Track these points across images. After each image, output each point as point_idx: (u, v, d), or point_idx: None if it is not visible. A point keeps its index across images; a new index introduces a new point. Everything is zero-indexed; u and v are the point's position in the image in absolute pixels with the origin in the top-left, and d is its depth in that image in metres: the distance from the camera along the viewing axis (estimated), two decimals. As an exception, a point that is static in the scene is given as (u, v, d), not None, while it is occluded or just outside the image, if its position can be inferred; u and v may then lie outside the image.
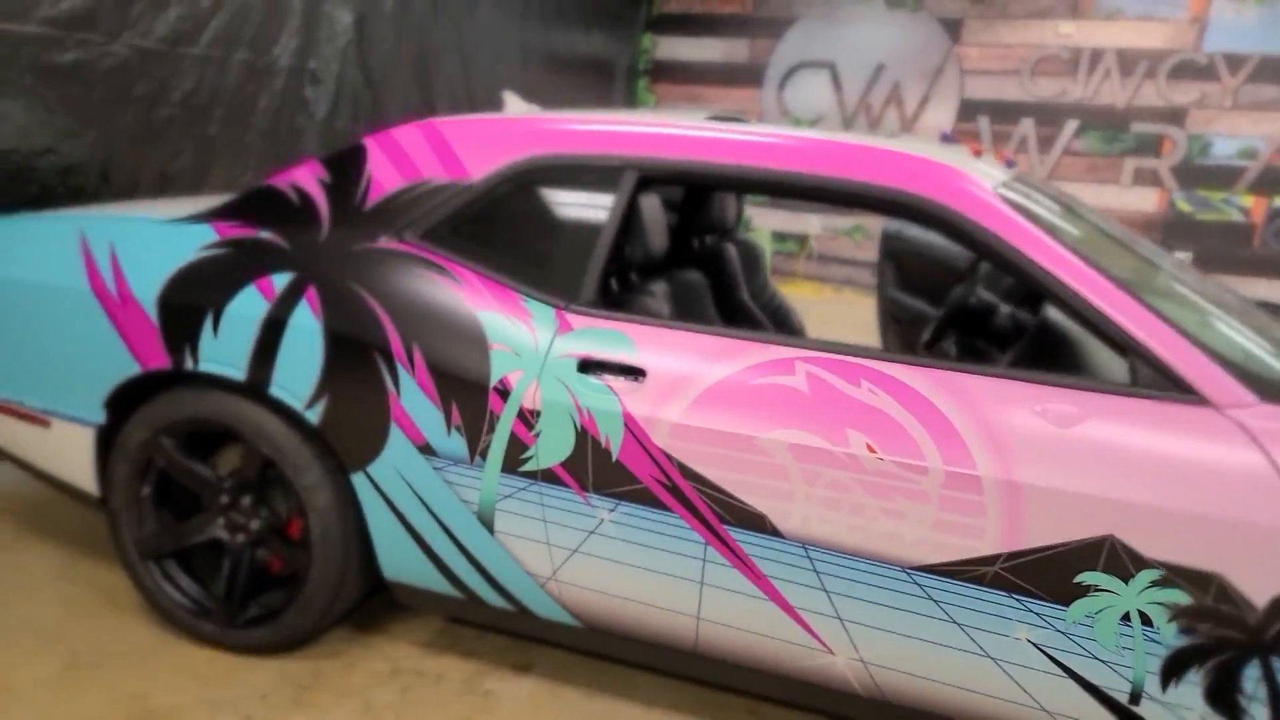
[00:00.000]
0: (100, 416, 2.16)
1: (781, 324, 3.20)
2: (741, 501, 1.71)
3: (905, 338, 3.42)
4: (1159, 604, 1.52)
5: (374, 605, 2.40)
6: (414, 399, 1.88)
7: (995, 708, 1.68)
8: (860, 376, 1.68)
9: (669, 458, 1.74)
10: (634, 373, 1.77)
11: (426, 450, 1.90)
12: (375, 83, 4.43)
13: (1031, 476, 1.56)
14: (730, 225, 2.80)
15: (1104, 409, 1.58)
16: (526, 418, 1.82)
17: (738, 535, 1.73)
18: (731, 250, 2.93)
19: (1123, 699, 1.59)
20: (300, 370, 1.95)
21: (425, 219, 1.97)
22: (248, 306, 1.98)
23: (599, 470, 1.79)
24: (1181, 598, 1.50)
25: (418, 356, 1.87)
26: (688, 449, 1.73)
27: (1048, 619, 1.59)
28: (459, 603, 2.04)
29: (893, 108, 7.51)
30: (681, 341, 1.78)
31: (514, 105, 2.60)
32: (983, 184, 1.74)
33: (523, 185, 1.95)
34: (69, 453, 2.24)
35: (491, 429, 1.84)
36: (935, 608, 1.65)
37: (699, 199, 2.65)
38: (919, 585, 1.65)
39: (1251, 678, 1.50)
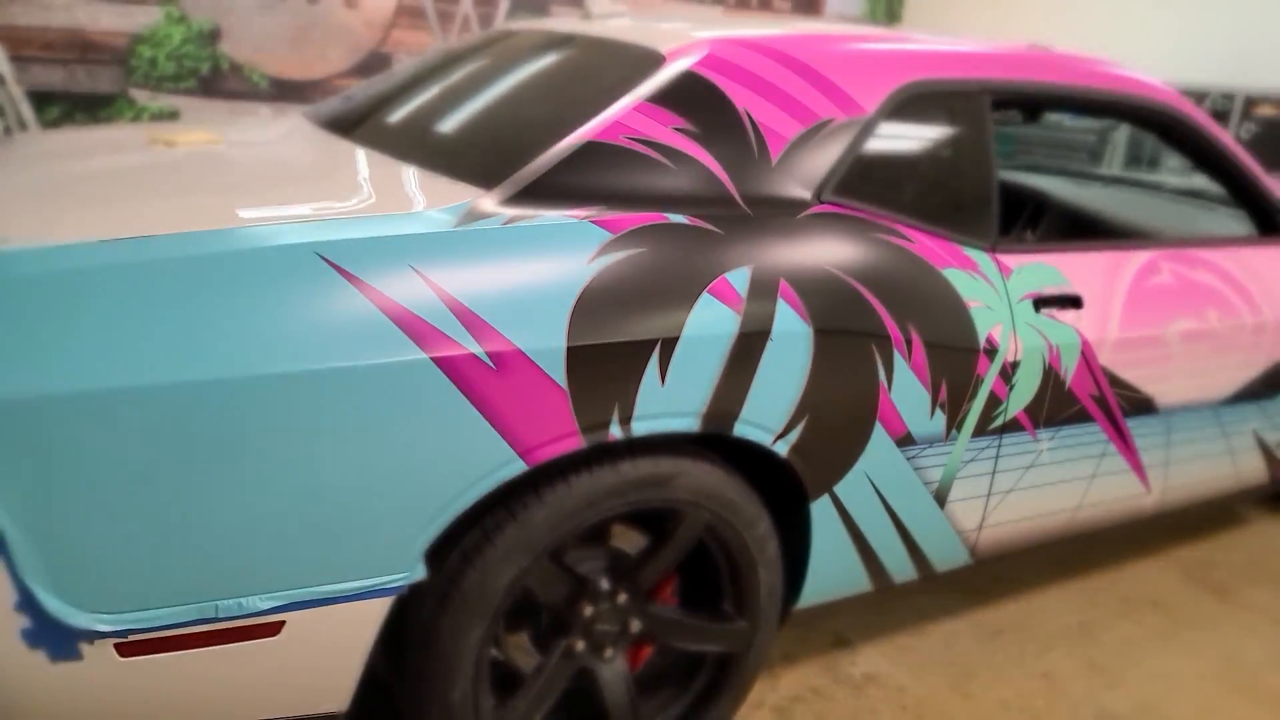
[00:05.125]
0: (414, 572, 1.26)
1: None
2: (1142, 392, 1.93)
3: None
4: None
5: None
6: (905, 386, 1.58)
7: (1220, 484, 2.27)
8: (1195, 264, 2.00)
9: (1105, 373, 1.85)
10: (1072, 302, 1.79)
11: (905, 441, 1.63)
12: None
13: (1269, 314, 2.12)
14: None
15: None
16: (1007, 371, 1.70)
17: (1131, 423, 1.95)
18: None
19: None
20: (776, 392, 1.45)
21: (836, 170, 1.57)
22: (710, 325, 1.36)
23: (1053, 403, 1.79)
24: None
25: (915, 336, 1.57)
26: (1119, 359, 1.86)
27: (1264, 410, 2.21)
28: (858, 593, 1.82)
29: (332, -17, 6.85)
30: (1084, 263, 1.85)
31: (602, 4, 2.01)
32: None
33: (905, 117, 1.69)
34: (316, 661, 1.26)
35: (974, 394, 1.68)
36: (1222, 427, 2.14)
37: None
38: (1217, 414, 2.11)
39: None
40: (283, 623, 1.20)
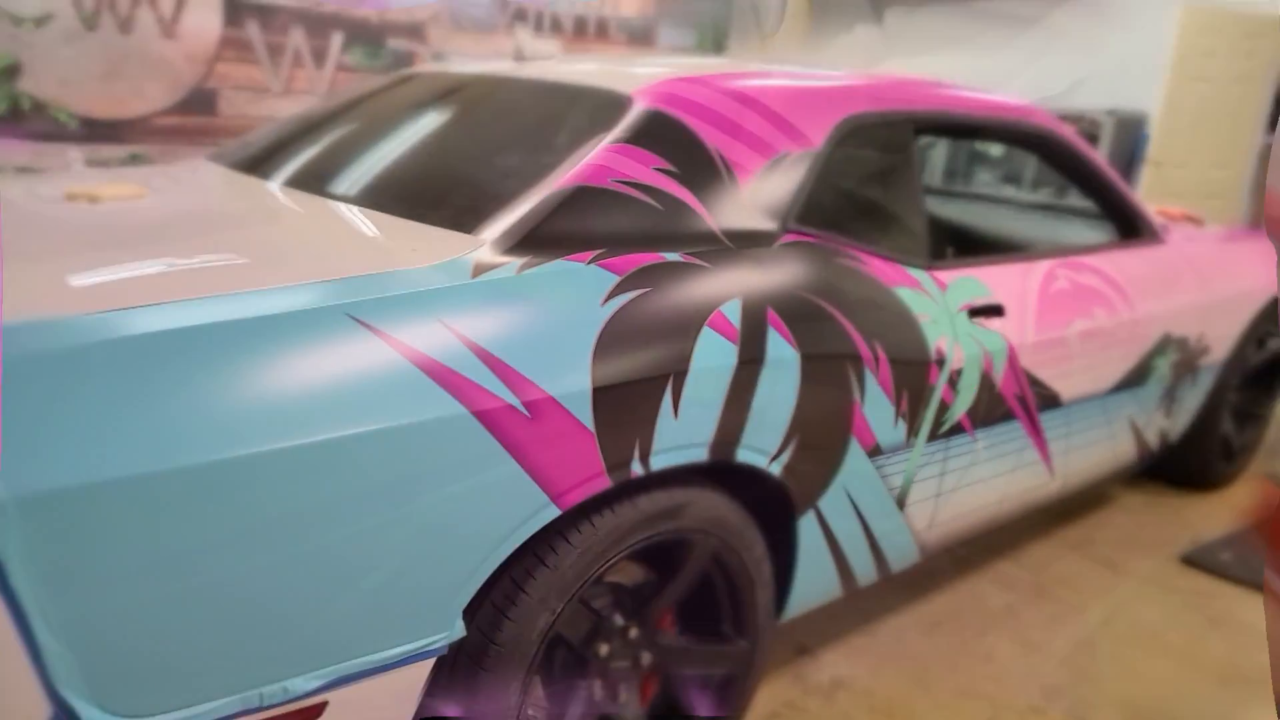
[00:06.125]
0: (454, 630, 1.23)
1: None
2: (1051, 388, 2.12)
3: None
4: (1170, 363, 2.54)
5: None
6: (875, 400, 1.68)
7: (1104, 467, 2.52)
8: (1083, 268, 2.22)
9: (1026, 374, 2.02)
10: (996, 310, 1.95)
11: (874, 451, 1.72)
12: None
13: (1144, 311, 2.38)
14: None
15: (1143, 256, 2.47)
16: (953, 379, 1.83)
17: (1043, 418, 2.14)
18: None
19: (1151, 437, 2.61)
20: (770, 417, 1.51)
21: (796, 200, 1.65)
22: (713, 357, 1.40)
23: (986, 406, 1.94)
24: (1175, 355, 2.55)
25: (881, 353, 1.66)
26: (1036, 360, 2.03)
27: (1136, 396, 2.47)
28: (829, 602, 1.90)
29: (145, 7, 6.48)
30: (1001, 274, 2.01)
31: (529, 44, 2.02)
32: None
33: (847, 148, 1.79)
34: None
35: (928, 402, 1.79)
36: (1106, 415, 2.38)
37: None
38: (1103, 403, 2.34)
39: (1185, 385, 2.67)
40: (325, 704, 1.15)
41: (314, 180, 1.68)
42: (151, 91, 6.62)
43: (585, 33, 8.80)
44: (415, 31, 7.56)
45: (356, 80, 7.10)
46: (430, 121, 1.78)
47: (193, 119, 6.89)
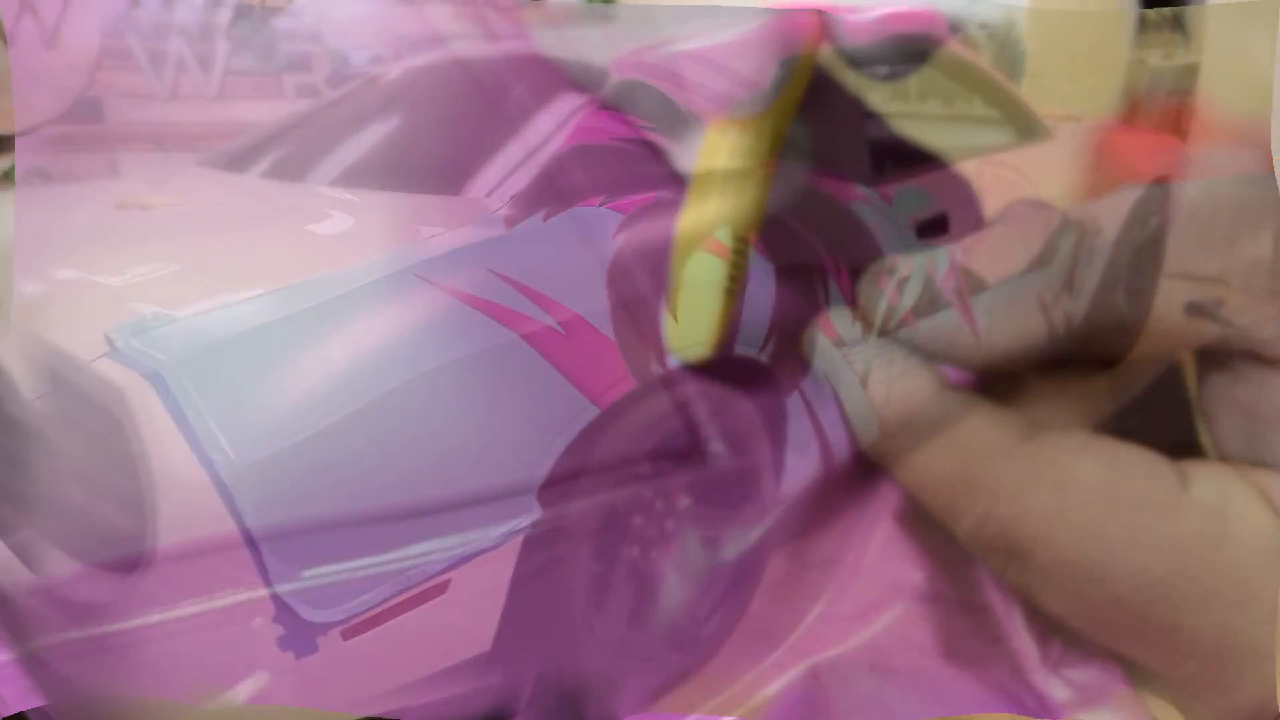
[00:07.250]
0: (534, 512, 1.52)
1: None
2: (980, 275, 2.46)
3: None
4: (1070, 243, 2.93)
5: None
6: (837, 303, 1.99)
7: (1015, 346, 2.90)
8: (999, 164, 2.55)
9: (960, 267, 2.36)
10: (941, 221, 2.27)
11: (839, 344, 2.04)
12: None
13: (1047, 198, 2.75)
14: None
15: (1040, 150, 2.82)
16: (900, 285, 2.15)
17: (974, 302, 2.49)
18: None
19: (1057, 317, 3.00)
20: (757, 316, 1.82)
21: (758, 136, 1.95)
22: (708, 272, 1.70)
23: (929, 302, 2.27)
24: (1074, 235, 2.94)
25: (842, 264, 1.98)
26: (969, 253, 2.37)
27: (1044, 275, 2.85)
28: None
29: (29, 19, 6.34)
30: (941, 180, 2.33)
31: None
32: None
33: (787, 84, 2.08)
34: (472, 608, 1.50)
35: (877, 304, 2.11)
36: (1023, 294, 2.75)
37: None
38: (1020, 283, 2.71)
39: (1083, 264, 3.07)
40: (449, 581, 1.42)
41: (346, 174, 1.89)
42: (37, 103, 6.49)
43: None
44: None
45: (248, 84, 6.99)
46: (426, 105, 2.02)
47: (81, 128, 6.76)
